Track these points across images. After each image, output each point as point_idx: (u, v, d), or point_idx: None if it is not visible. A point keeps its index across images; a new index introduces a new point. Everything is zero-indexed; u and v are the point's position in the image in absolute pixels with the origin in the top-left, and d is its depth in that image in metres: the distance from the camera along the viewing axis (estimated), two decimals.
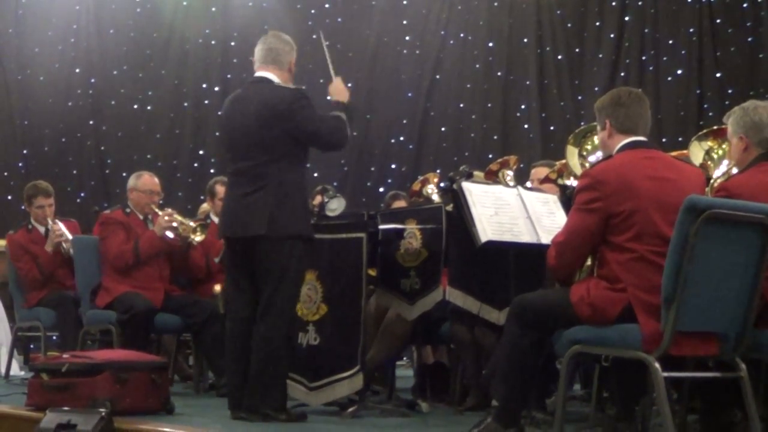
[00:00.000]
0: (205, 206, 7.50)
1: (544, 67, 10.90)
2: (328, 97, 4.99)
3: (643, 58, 10.49)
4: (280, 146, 4.74)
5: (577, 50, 10.85)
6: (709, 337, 3.61)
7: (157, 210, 6.54)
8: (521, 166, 6.83)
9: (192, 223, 6.49)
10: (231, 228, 4.85)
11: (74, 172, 11.35)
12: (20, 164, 11.46)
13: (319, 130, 4.78)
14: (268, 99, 4.78)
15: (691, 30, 10.29)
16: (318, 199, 6.36)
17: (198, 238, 6.44)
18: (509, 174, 5.91)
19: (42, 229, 7.18)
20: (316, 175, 9.70)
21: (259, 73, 4.93)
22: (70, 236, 7.00)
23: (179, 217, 6.49)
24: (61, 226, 7.12)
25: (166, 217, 6.39)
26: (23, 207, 7.92)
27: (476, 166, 6.41)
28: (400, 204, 6.88)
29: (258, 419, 4.62)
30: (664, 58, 10.38)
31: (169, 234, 6.40)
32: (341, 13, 11.68)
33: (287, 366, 4.79)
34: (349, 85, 10.87)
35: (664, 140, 9.41)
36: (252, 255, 4.77)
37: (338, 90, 5.00)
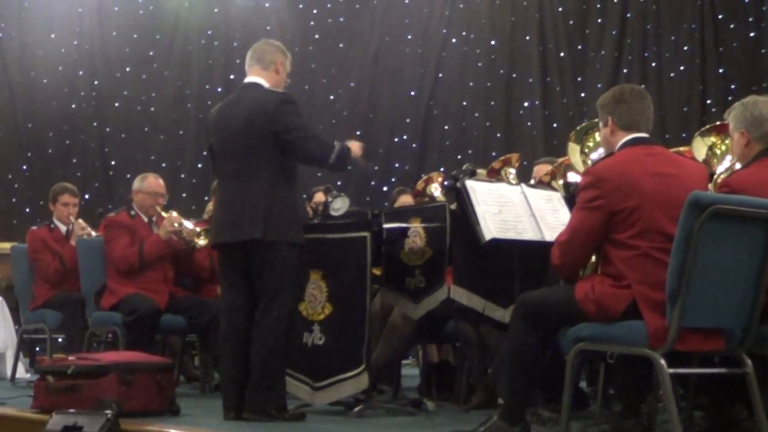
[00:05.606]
0: (210, 207, 7.49)
1: (546, 64, 10.92)
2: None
3: (646, 54, 10.50)
4: (268, 150, 4.72)
5: (579, 47, 10.87)
6: (714, 333, 3.61)
7: (162, 212, 6.55)
8: (524, 163, 6.83)
9: (197, 228, 6.49)
10: (221, 234, 4.84)
11: (78, 174, 11.37)
12: (24, 167, 11.50)
13: (297, 139, 4.71)
14: (256, 103, 4.78)
15: (693, 26, 10.30)
16: (321, 198, 6.36)
17: (202, 242, 6.44)
18: (512, 172, 5.90)
19: (63, 229, 7.23)
20: (319, 174, 9.69)
21: (247, 79, 4.94)
22: (93, 233, 7.07)
23: (184, 222, 6.49)
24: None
25: (175, 224, 6.39)
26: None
27: (480, 164, 6.39)
28: (407, 198, 6.88)
29: (264, 419, 4.62)
30: (667, 55, 10.39)
31: (174, 238, 6.42)
32: (343, 13, 11.67)
33: (284, 368, 4.78)
34: (352, 84, 11.07)
35: (667, 136, 9.42)
36: (245, 259, 4.75)
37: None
